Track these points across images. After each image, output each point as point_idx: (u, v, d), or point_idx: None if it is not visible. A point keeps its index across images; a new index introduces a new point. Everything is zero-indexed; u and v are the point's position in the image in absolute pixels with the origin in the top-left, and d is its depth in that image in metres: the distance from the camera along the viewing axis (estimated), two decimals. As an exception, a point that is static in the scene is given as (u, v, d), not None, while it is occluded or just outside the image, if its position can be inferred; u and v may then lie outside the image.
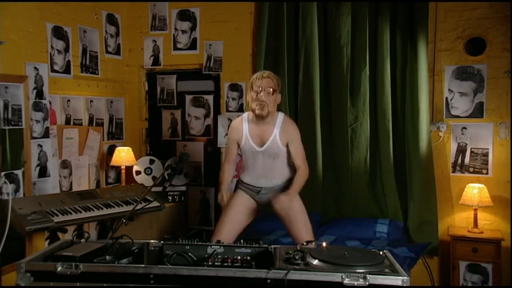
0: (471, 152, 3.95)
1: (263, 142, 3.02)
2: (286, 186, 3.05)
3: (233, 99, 4.57)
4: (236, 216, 3.09)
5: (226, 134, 3.27)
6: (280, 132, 2.99)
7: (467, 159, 3.96)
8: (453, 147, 4.00)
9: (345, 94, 4.08)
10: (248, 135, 3.05)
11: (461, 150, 3.98)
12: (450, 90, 3.99)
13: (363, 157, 4.09)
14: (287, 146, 3.02)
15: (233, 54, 4.52)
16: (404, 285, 1.72)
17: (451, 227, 3.95)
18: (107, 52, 4.56)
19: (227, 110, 4.58)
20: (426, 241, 3.86)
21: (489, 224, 3.90)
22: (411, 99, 3.93)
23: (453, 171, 4.01)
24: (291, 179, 3.06)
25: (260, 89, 2.93)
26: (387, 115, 4.00)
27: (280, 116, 3.06)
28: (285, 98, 4.24)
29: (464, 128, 3.96)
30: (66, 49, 4.01)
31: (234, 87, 4.55)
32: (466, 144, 3.96)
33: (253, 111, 2.99)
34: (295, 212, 3.03)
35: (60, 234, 3.68)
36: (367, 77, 4.03)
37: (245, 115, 3.13)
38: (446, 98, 4.00)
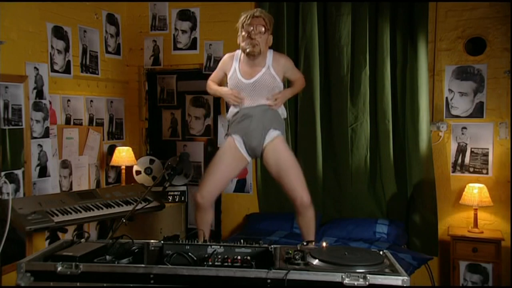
0: (471, 152, 3.95)
1: (251, 77, 2.97)
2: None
3: (233, 99, 4.56)
4: (224, 169, 3.00)
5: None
6: (273, 63, 2.96)
7: (467, 159, 3.96)
8: (453, 147, 4.00)
9: (345, 94, 4.08)
10: (237, 68, 3.00)
11: (461, 150, 3.98)
12: (450, 90, 3.99)
13: (363, 157, 4.09)
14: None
15: (233, 54, 4.52)
16: (404, 285, 1.72)
17: (451, 227, 3.95)
18: (107, 52, 4.56)
19: (227, 110, 4.56)
20: (429, 250, 3.88)
21: (489, 224, 3.90)
22: (411, 99, 3.93)
23: (453, 171, 4.00)
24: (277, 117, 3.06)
25: (251, 28, 2.86)
26: (387, 115, 4.00)
27: (270, 52, 3.02)
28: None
29: (464, 128, 3.96)
30: (66, 49, 4.01)
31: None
32: (466, 144, 3.96)
33: (243, 50, 2.92)
34: (285, 162, 2.97)
35: (60, 234, 3.68)
36: (367, 77, 4.03)
37: (238, 52, 3.05)
38: (446, 98, 4.00)
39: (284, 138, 3.12)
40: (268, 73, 2.94)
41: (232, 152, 3.03)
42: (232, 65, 3.03)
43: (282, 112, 3.11)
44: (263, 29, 2.86)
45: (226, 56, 3.15)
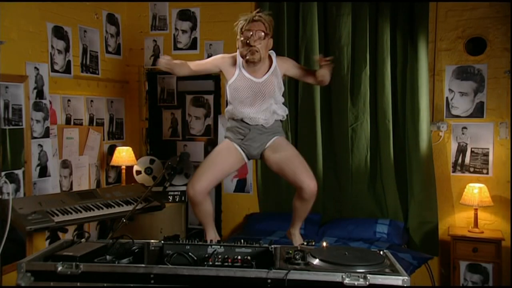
0: (472, 152, 3.95)
1: (261, 76, 2.83)
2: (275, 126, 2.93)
3: (234, 99, 4.56)
4: (219, 164, 2.87)
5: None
6: (278, 65, 2.84)
7: (467, 159, 3.96)
8: (453, 147, 4.00)
9: (346, 94, 4.08)
10: (243, 70, 2.82)
11: (461, 150, 3.98)
12: (450, 90, 3.99)
13: (364, 157, 4.09)
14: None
15: (234, 54, 4.52)
16: (405, 285, 1.72)
17: (451, 227, 3.95)
18: (108, 52, 4.56)
19: (228, 110, 4.57)
20: (429, 250, 3.88)
21: (489, 224, 3.90)
22: (412, 99, 3.93)
23: (454, 171, 4.00)
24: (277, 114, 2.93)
25: (250, 33, 2.69)
26: (388, 115, 3.99)
27: (273, 54, 2.88)
28: (286, 98, 4.22)
29: (465, 128, 3.96)
30: (67, 49, 4.01)
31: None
32: (467, 144, 3.96)
33: (243, 56, 2.77)
34: (286, 153, 2.86)
35: (60, 234, 3.68)
36: (367, 77, 4.03)
37: (237, 57, 2.86)
38: (447, 98, 4.00)
39: (284, 138, 3.06)
40: (275, 73, 2.84)
41: (230, 151, 2.95)
42: (235, 70, 2.85)
43: (284, 110, 3.04)
44: (262, 34, 2.70)
45: (227, 57, 2.95)
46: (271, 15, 2.88)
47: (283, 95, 2.99)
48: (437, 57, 4.01)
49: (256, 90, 2.83)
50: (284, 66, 2.90)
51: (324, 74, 2.81)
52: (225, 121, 4.53)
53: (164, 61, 2.72)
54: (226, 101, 4.54)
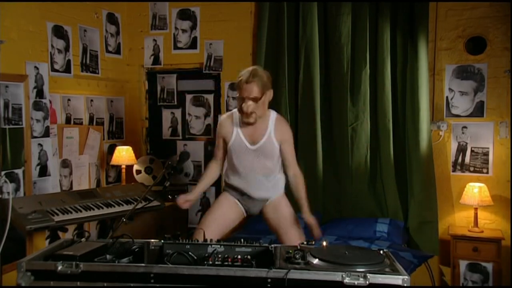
0: (472, 151, 3.95)
1: (255, 141, 2.81)
2: (276, 195, 2.93)
3: (233, 98, 4.56)
4: (222, 222, 2.87)
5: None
6: (275, 131, 2.80)
7: (467, 159, 3.96)
8: (453, 146, 4.00)
9: (346, 93, 4.07)
10: (239, 131, 2.82)
11: (461, 149, 3.98)
12: (450, 89, 3.99)
13: (364, 156, 4.09)
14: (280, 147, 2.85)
15: (234, 53, 4.52)
16: (405, 285, 1.72)
17: (451, 226, 3.95)
18: (107, 51, 4.55)
19: (228, 109, 4.57)
20: (429, 249, 3.88)
21: (489, 223, 3.90)
22: (412, 98, 3.93)
23: (454, 170, 4.00)
24: (278, 186, 2.93)
25: (243, 98, 2.67)
26: (388, 114, 3.99)
27: (273, 115, 2.85)
28: (285, 98, 4.24)
29: (465, 127, 3.96)
30: (67, 48, 4.01)
31: (235, 86, 4.54)
32: (467, 143, 3.96)
33: (239, 113, 2.76)
34: (285, 219, 2.88)
35: (60, 233, 3.68)
36: (367, 76, 4.02)
37: (234, 113, 2.87)
38: (447, 97, 4.00)
39: (284, 196, 2.99)
40: (269, 140, 2.79)
41: (231, 207, 2.93)
42: (233, 129, 2.83)
43: (283, 181, 2.99)
44: (257, 96, 2.65)
45: (223, 119, 2.92)
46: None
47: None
48: (437, 57, 4.00)
49: (251, 155, 2.80)
50: (281, 131, 2.82)
51: (301, 204, 2.87)
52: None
53: (183, 203, 2.78)
54: (226, 101, 4.58)
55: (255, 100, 2.66)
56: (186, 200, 2.79)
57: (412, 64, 3.92)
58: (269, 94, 2.77)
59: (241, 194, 2.92)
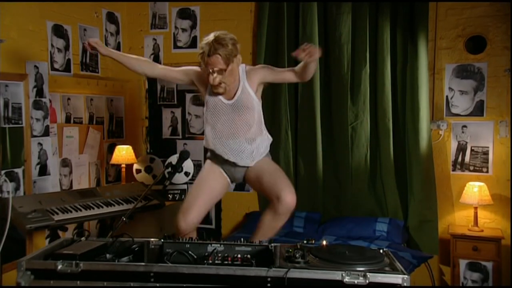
0: (471, 150, 3.95)
1: (230, 96, 2.68)
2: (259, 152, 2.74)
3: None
4: (209, 193, 2.76)
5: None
6: (247, 79, 2.67)
7: (467, 158, 3.96)
8: (453, 145, 4.00)
9: (346, 92, 4.07)
10: (211, 90, 2.68)
11: (461, 149, 3.98)
12: (450, 89, 3.99)
13: (363, 155, 4.09)
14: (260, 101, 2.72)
15: (233, 53, 4.51)
16: (404, 284, 1.72)
17: (451, 225, 3.95)
18: (107, 50, 4.54)
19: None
20: (429, 248, 3.89)
21: (489, 222, 3.90)
22: (411, 97, 3.93)
23: (453, 170, 4.00)
24: (260, 151, 2.76)
25: (210, 70, 2.55)
26: (388, 114, 3.99)
27: (242, 68, 2.70)
28: (285, 97, 4.24)
29: (465, 126, 3.96)
30: (66, 48, 4.01)
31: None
32: (467, 142, 3.96)
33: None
34: (268, 167, 2.72)
35: (60, 233, 3.68)
36: (367, 76, 4.02)
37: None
38: (447, 96, 4.00)
39: (269, 157, 2.88)
40: (244, 91, 2.67)
41: (216, 177, 2.82)
42: (208, 85, 2.70)
43: (267, 144, 2.85)
44: (222, 68, 2.53)
45: (200, 71, 2.78)
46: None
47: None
48: (437, 56, 4.00)
49: (227, 111, 2.67)
50: (257, 77, 2.72)
51: (303, 65, 2.59)
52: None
53: (93, 42, 2.70)
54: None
55: (221, 72, 2.55)
56: (97, 44, 2.72)
57: (412, 63, 3.92)
58: (237, 61, 2.62)
59: (224, 161, 2.78)
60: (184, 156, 2.68)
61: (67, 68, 4.02)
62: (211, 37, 2.55)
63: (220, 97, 2.68)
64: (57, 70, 3.91)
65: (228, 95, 2.68)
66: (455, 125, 3.99)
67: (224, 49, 2.51)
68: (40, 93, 3.64)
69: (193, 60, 4.63)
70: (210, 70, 2.54)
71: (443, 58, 4.00)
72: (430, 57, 3.94)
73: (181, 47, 4.70)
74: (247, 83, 2.69)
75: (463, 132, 3.96)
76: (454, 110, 3.98)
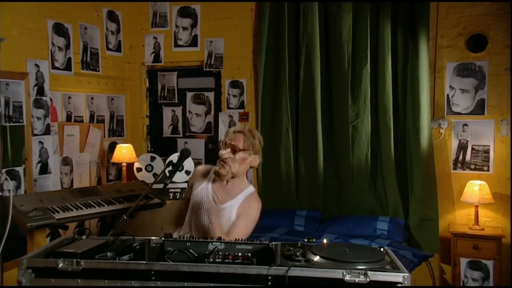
0: (472, 149, 3.94)
1: (222, 201, 2.41)
2: None
3: (234, 96, 4.56)
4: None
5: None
6: (241, 202, 2.39)
7: (468, 156, 3.95)
8: (454, 144, 3.99)
9: (346, 91, 4.07)
10: (209, 185, 2.47)
11: (462, 147, 3.97)
12: (451, 87, 3.98)
13: (364, 154, 4.09)
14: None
15: (234, 51, 4.52)
16: (405, 282, 1.71)
17: (452, 224, 3.95)
18: (108, 49, 4.55)
19: (228, 107, 4.58)
20: (430, 247, 3.90)
21: (490, 221, 3.90)
22: (412, 96, 3.93)
23: (454, 168, 4.00)
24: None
25: (226, 144, 2.38)
26: (388, 112, 3.99)
27: (250, 189, 2.45)
28: (286, 95, 4.23)
29: (465, 125, 3.95)
30: (67, 46, 4.01)
31: (235, 84, 4.55)
32: (467, 141, 3.96)
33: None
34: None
35: (61, 231, 3.68)
36: (368, 74, 4.02)
37: (213, 170, 2.50)
38: (447, 95, 3.99)
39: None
40: (230, 209, 2.39)
41: None
42: (204, 183, 2.50)
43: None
44: (239, 146, 2.35)
45: (198, 169, 2.66)
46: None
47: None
48: (438, 54, 4.00)
49: (214, 214, 2.35)
50: (241, 208, 2.39)
51: None
52: (226, 118, 4.56)
53: None
54: (227, 98, 4.58)
55: (235, 149, 2.36)
56: None
57: (413, 62, 3.92)
58: (254, 159, 2.42)
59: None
60: (185, 154, 2.66)
61: (67, 66, 4.02)
62: (247, 127, 2.48)
63: (211, 196, 2.42)
64: (57, 68, 3.91)
65: (220, 199, 2.42)
66: (456, 123, 3.98)
67: (251, 138, 2.41)
68: (41, 91, 3.64)
69: (193, 58, 4.67)
70: (227, 142, 2.39)
71: (444, 56, 3.99)
72: (431, 56, 3.93)
73: (181, 46, 4.70)
74: (237, 204, 2.39)
75: (464, 130, 3.96)
76: (455, 109, 3.98)
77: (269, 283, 1.74)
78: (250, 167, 2.47)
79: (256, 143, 2.42)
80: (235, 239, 2.00)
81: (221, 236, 2.12)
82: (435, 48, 3.99)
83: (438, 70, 4.01)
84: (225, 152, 2.38)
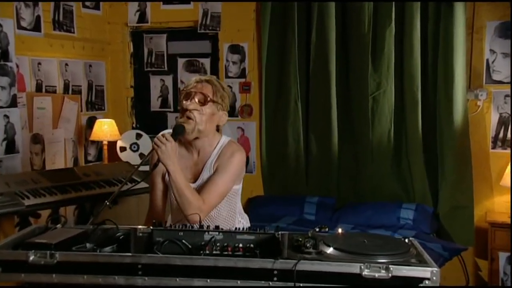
0: (515, 124, 3.95)
1: (195, 176, 2.39)
2: None
3: (234, 62, 4.55)
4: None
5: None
6: (216, 158, 2.36)
7: (510, 133, 3.95)
8: (493, 118, 3.99)
9: (366, 56, 4.05)
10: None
11: (503, 122, 3.97)
12: (491, 51, 3.96)
13: (386, 131, 4.09)
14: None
15: (234, 10, 4.49)
16: (434, 278, 1.72)
17: (489, 212, 3.97)
18: (84, 6, 4.52)
19: (227, 76, 4.57)
20: (463, 239, 3.92)
21: (533, 209, 3.91)
22: (445, 62, 3.91)
23: (493, 147, 4.01)
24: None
25: (191, 95, 2.30)
26: (416, 82, 3.98)
27: (224, 139, 2.41)
28: (295, 63, 4.22)
29: (508, 96, 3.94)
30: (35, 3, 3.98)
31: (235, 48, 4.53)
32: (510, 115, 3.95)
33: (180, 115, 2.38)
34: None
35: (32, 220, 3.71)
36: (392, 36, 4.00)
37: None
38: (487, 60, 3.97)
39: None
40: (210, 174, 2.37)
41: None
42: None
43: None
44: (207, 95, 2.29)
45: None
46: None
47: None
48: (476, 12, 3.96)
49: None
50: (218, 162, 2.36)
51: None
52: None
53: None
54: (225, 66, 4.56)
55: (204, 99, 2.30)
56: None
57: (446, 21, 3.89)
58: (221, 115, 2.38)
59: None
60: (177, 131, 2.64)
61: (36, 26, 4.00)
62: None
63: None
64: (24, 28, 3.89)
65: (192, 174, 2.40)
66: (497, 94, 3.97)
67: (221, 88, 2.36)
68: (4, 56, 3.63)
69: (185, 18, 4.64)
70: (192, 92, 2.31)
71: (483, 14, 3.96)
72: (468, 14, 3.89)
73: (172, 3, 4.65)
74: (214, 163, 2.37)
75: (505, 102, 3.95)
76: (495, 77, 3.96)
77: (275, 279, 1.75)
78: (217, 126, 2.41)
79: (225, 96, 2.37)
80: (235, 229, 2.01)
81: (197, 212, 2.18)
82: (474, 5, 3.95)
83: (476, 31, 3.98)
84: (190, 103, 2.29)
